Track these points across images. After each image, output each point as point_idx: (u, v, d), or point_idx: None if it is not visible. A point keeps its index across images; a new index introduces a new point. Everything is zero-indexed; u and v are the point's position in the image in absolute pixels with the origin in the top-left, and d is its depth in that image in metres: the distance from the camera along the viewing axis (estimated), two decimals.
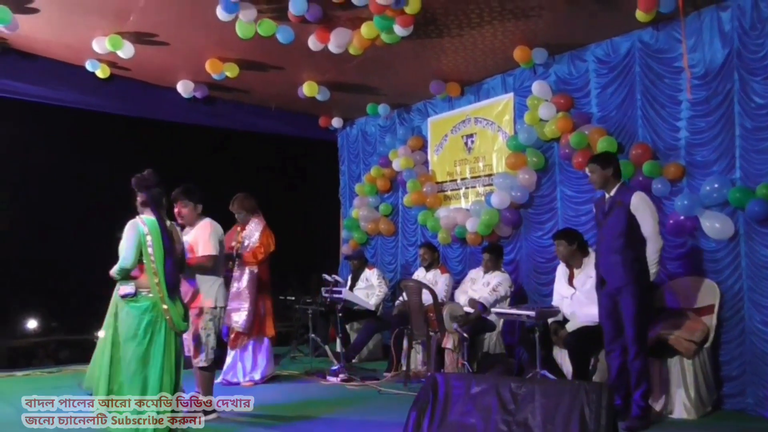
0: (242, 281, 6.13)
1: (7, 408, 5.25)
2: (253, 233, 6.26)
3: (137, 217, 4.13)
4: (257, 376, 6.24)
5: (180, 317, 4.08)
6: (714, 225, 5.11)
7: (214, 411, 4.96)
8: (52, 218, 7.53)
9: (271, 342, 6.41)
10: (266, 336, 6.30)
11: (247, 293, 6.10)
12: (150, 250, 3.99)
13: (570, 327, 5.29)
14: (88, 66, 6.89)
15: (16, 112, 7.28)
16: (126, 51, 6.35)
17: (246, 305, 6.08)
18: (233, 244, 6.23)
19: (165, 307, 3.99)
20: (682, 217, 5.33)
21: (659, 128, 5.64)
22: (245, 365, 6.23)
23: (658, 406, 4.85)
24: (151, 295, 4.00)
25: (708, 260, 5.30)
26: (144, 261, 4.00)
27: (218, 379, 5.95)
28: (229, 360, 6.25)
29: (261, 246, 6.17)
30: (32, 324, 8.11)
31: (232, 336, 6.19)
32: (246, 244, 6.21)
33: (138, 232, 4.01)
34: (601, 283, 4.70)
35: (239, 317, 6.08)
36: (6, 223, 7.34)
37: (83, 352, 6.09)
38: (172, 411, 4.00)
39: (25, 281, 7.51)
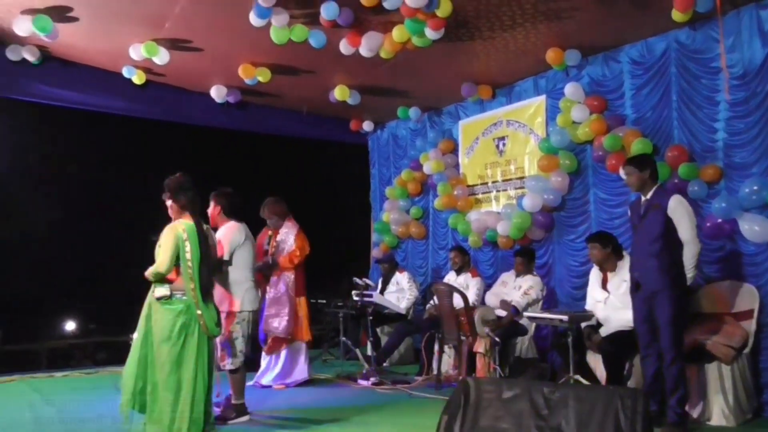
0: (279, 286, 6.13)
1: (48, 408, 5.37)
2: (287, 237, 6.23)
3: (177, 221, 4.16)
4: (290, 380, 6.26)
5: (213, 321, 4.10)
6: (753, 228, 5.00)
7: (245, 413, 5.00)
8: (89, 222, 7.69)
9: (308, 346, 6.41)
10: (302, 340, 6.30)
11: (285, 298, 6.09)
12: (188, 255, 4.02)
13: (604, 331, 5.21)
14: (125, 72, 7.03)
15: (58, 119, 7.47)
16: (161, 57, 6.46)
17: (285, 310, 6.07)
18: (267, 248, 6.25)
19: (199, 312, 4.03)
20: (719, 220, 5.23)
21: (696, 130, 5.55)
22: (278, 369, 6.25)
23: (695, 413, 4.75)
24: (185, 297, 4.04)
25: (747, 264, 5.19)
26: (181, 265, 4.03)
27: (251, 382, 6.00)
28: (263, 364, 6.29)
29: (297, 249, 6.15)
30: (71, 326, 8.29)
31: (270, 341, 6.18)
32: (282, 248, 6.19)
33: (177, 237, 4.04)
34: (636, 287, 4.63)
35: (279, 323, 6.07)
36: (45, 227, 7.52)
37: (120, 354, 6.19)
38: (206, 412, 4.04)
39: (63, 284, 7.68)
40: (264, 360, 6.29)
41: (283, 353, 6.24)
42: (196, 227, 4.12)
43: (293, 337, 6.19)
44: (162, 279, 4.05)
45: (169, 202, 4.27)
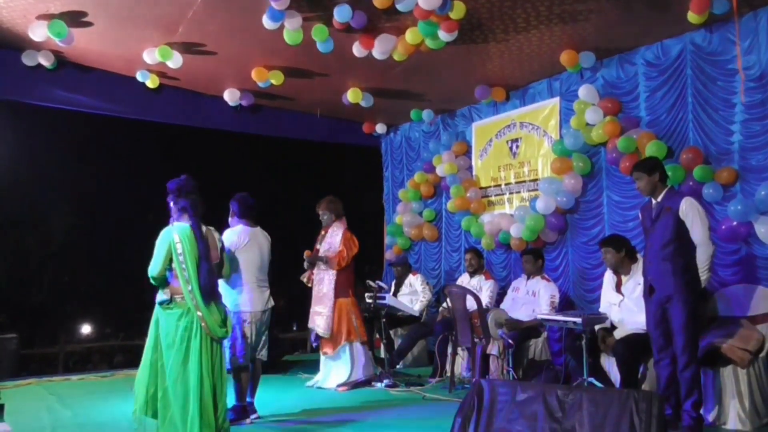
0: (322, 285, 6.26)
1: (64, 411, 5.42)
2: (334, 238, 6.32)
3: (171, 224, 4.17)
4: (349, 381, 6.25)
5: (216, 323, 4.05)
6: None
7: (246, 416, 5.01)
8: (105, 227, 7.75)
9: (365, 347, 6.41)
10: (357, 341, 6.30)
11: (327, 298, 6.23)
12: (181, 258, 4.01)
13: (618, 334, 5.19)
14: (139, 77, 7.09)
15: (72, 124, 7.54)
16: (175, 61, 6.51)
17: (326, 309, 6.21)
18: (318, 246, 6.38)
19: (200, 314, 4.00)
20: (735, 223, 5.19)
21: (711, 132, 5.51)
22: (335, 371, 6.31)
23: (710, 417, 4.72)
24: (184, 301, 4.02)
25: (763, 267, 5.15)
26: (175, 268, 4.04)
27: (310, 383, 6.35)
28: (321, 367, 6.42)
29: (343, 251, 6.25)
30: (87, 330, 8.37)
31: (322, 342, 6.33)
32: (329, 248, 6.29)
33: (167, 240, 4.05)
34: (649, 291, 4.60)
35: (319, 321, 6.22)
36: (62, 233, 7.59)
37: (135, 357, 6.23)
38: (215, 414, 4.02)
39: (80, 289, 7.75)
40: (323, 364, 6.40)
41: (341, 355, 6.29)
42: (193, 229, 4.10)
43: (346, 339, 6.25)
44: (163, 283, 4.06)
45: (171, 204, 4.28)
